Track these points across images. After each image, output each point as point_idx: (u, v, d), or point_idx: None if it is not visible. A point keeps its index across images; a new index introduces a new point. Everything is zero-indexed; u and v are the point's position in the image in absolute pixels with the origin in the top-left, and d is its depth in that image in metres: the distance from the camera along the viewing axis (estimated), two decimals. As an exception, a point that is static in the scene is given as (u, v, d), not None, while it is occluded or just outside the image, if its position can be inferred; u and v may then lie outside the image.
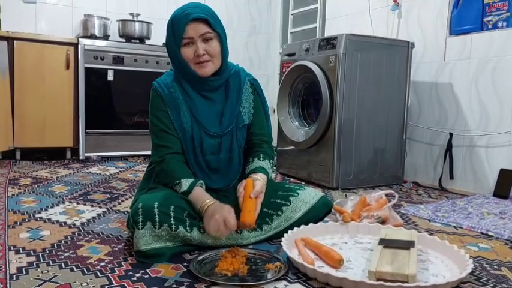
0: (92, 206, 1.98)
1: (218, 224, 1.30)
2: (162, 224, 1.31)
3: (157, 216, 1.31)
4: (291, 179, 2.86)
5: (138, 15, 3.60)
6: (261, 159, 1.56)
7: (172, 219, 1.33)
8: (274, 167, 1.61)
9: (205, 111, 1.53)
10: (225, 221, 1.31)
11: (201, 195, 1.40)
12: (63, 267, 1.25)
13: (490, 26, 2.54)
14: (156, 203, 1.33)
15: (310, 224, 1.53)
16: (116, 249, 1.42)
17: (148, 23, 3.59)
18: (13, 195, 2.14)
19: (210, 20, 1.44)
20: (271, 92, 4.40)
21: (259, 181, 1.47)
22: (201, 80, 1.50)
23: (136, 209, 1.32)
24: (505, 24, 2.46)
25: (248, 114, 1.60)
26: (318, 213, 1.59)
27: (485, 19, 2.56)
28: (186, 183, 1.42)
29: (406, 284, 1.08)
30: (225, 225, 1.31)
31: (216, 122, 1.54)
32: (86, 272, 1.22)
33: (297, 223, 1.52)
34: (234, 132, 1.56)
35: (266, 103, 1.67)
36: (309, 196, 1.58)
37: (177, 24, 1.43)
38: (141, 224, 1.30)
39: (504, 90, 2.46)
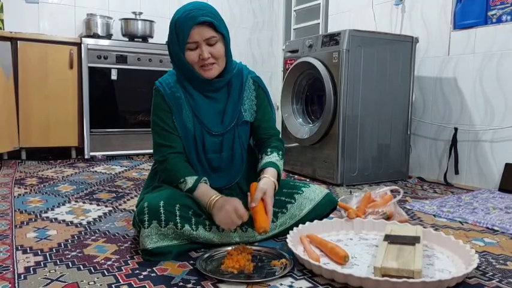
0: (98, 205, 1.99)
1: (229, 214, 1.31)
2: (167, 223, 1.32)
3: (162, 215, 1.32)
4: (296, 176, 2.86)
5: (140, 13, 3.60)
6: (269, 153, 1.55)
7: (177, 217, 1.34)
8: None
9: (207, 110, 1.52)
10: (236, 210, 1.32)
11: (206, 191, 1.41)
12: (71, 266, 1.26)
13: (494, 20, 2.52)
14: (162, 201, 1.34)
15: (316, 221, 1.54)
16: (123, 247, 1.43)
17: (151, 21, 3.59)
18: (19, 195, 2.15)
19: (215, 22, 1.42)
20: (274, 88, 4.39)
21: (262, 180, 1.44)
22: (204, 82, 1.49)
23: (142, 208, 1.33)
24: (509, 18, 2.44)
25: (250, 111, 1.59)
26: (323, 210, 1.60)
27: (489, 13, 2.54)
28: (190, 180, 1.42)
29: (411, 280, 1.08)
30: (236, 215, 1.32)
31: (217, 120, 1.53)
32: (93, 270, 1.23)
33: (302, 221, 1.53)
34: (235, 129, 1.55)
35: (270, 97, 1.66)
36: (313, 193, 1.58)
37: (181, 28, 1.41)
38: (146, 222, 1.31)
39: (509, 85, 2.44)
